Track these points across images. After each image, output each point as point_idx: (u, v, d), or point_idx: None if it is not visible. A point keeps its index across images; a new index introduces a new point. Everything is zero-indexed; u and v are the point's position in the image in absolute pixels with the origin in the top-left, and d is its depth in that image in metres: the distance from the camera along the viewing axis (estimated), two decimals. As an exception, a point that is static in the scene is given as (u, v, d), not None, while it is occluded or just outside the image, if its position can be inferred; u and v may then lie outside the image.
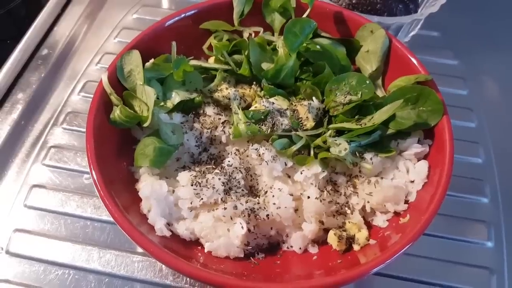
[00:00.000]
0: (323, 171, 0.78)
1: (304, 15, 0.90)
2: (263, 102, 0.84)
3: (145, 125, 0.79)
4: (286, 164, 0.78)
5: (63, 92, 1.09)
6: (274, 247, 0.79)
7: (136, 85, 0.83)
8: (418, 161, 0.81)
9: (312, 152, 0.80)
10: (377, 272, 0.67)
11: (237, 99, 0.86)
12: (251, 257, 0.76)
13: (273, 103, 0.84)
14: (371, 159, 0.79)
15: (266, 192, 0.79)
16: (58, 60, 1.16)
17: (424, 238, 0.72)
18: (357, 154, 0.80)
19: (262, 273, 0.74)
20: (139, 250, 0.85)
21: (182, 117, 0.85)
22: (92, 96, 0.81)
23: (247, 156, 0.81)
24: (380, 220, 0.78)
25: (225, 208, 0.75)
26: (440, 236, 0.89)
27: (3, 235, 0.87)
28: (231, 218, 0.75)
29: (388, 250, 0.68)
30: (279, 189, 0.77)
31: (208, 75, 0.92)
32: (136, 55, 0.85)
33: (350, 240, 0.76)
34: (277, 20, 0.95)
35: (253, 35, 0.96)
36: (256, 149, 0.79)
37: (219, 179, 0.77)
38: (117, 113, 0.80)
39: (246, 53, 0.88)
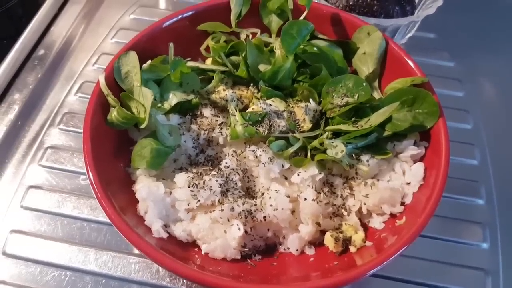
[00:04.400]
0: (320, 173, 0.78)
1: (301, 17, 0.90)
2: (260, 103, 0.84)
3: (142, 126, 0.79)
4: (283, 166, 0.79)
5: (60, 93, 1.09)
6: (271, 248, 0.80)
7: (133, 86, 0.83)
8: (414, 163, 0.81)
9: (309, 154, 0.80)
10: (373, 273, 0.68)
11: (235, 100, 0.86)
12: (247, 259, 0.77)
13: (270, 104, 0.84)
14: (367, 161, 0.79)
15: (263, 194, 0.79)
16: (55, 60, 1.15)
17: (420, 240, 0.73)
18: (354, 156, 0.80)
19: (259, 274, 0.74)
20: (136, 251, 0.85)
21: (179, 118, 0.85)
22: (89, 96, 0.81)
23: (244, 157, 0.81)
24: (376, 222, 0.78)
25: (222, 210, 0.75)
26: (436, 238, 0.89)
27: (-1, 236, 0.87)
28: (228, 220, 0.75)
29: (385, 252, 0.68)
30: (276, 190, 0.77)
31: (206, 77, 0.92)
32: (133, 56, 0.85)
33: (347, 241, 0.76)
34: (274, 22, 0.95)
35: (250, 36, 0.96)
36: (253, 151, 0.80)
37: (216, 180, 0.77)
38: (114, 114, 0.80)
39: (243, 55, 0.88)
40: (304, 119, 0.83)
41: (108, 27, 1.23)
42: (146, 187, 0.76)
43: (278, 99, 0.86)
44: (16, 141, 1.00)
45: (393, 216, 0.79)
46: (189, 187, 0.77)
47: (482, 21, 1.29)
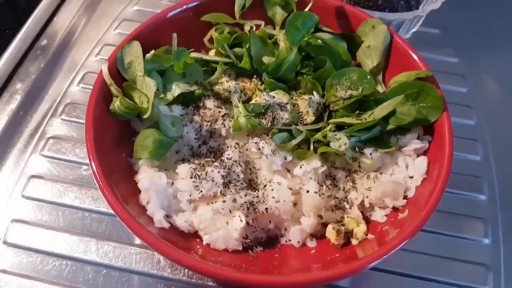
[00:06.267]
0: (323, 166, 0.78)
1: (306, 9, 0.90)
2: (263, 95, 0.84)
3: (145, 116, 0.79)
4: (285, 158, 0.78)
5: (62, 83, 1.09)
6: (272, 240, 0.80)
7: (136, 77, 0.83)
8: (417, 157, 0.81)
9: (312, 147, 0.80)
10: (374, 267, 0.68)
11: (238, 92, 0.86)
12: (249, 250, 0.77)
13: (273, 97, 0.84)
14: (370, 154, 0.79)
15: (265, 186, 0.79)
16: (57, 50, 1.15)
17: (422, 234, 0.72)
18: (357, 149, 0.80)
19: (260, 266, 0.74)
20: (137, 242, 0.85)
21: (182, 109, 0.85)
22: (91, 87, 0.80)
23: (247, 149, 0.81)
24: (378, 215, 0.78)
25: (224, 201, 0.75)
26: (437, 232, 0.89)
27: (0, 225, 0.87)
28: (230, 211, 0.75)
29: (386, 245, 0.68)
30: (278, 183, 0.77)
31: (209, 68, 0.91)
32: (136, 46, 0.85)
33: (348, 234, 0.76)
34: (278, 13, 0.95)
35: (254, 28, 0.96)
36: (256, 143, 0.79)
37: (219, 172, 0.77)
38: (117, 104, 0.79)
39: (247, 46, 0.88)
40: (307, 111, 0.83)
41: (111, 18, 1.22)
42: (148, 177, 0.76)
43: (281, 91, 0.86)
44: (18, 131, 1.00)
45: (395, 209, 0.78)
46: (191, 178, 0.77)
47: (486, 17, 1.29)
